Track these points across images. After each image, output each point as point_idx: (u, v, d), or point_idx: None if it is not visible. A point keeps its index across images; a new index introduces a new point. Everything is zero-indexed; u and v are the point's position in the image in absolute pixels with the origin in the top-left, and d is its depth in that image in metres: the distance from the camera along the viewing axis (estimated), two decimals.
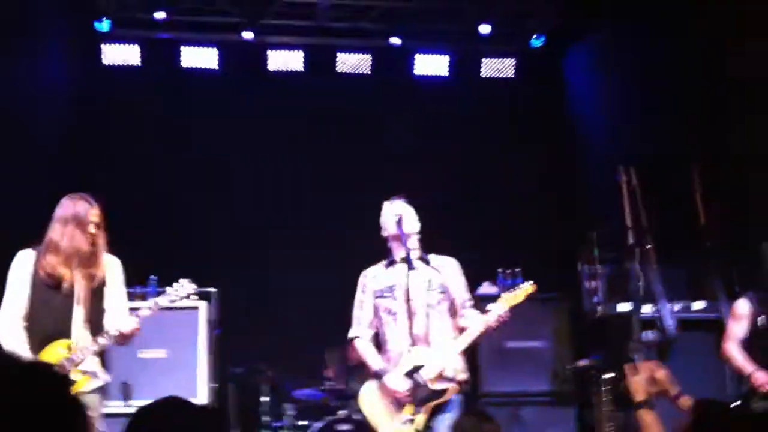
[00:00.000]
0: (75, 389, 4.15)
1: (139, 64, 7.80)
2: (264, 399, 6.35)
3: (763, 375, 4.86)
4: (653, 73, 6.62)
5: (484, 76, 8.27)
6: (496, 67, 8.28)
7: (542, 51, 8.11)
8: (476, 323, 4.58)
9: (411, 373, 4.51)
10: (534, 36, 8.02)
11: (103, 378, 4.36)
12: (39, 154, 6.63)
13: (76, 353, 4.22)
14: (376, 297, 4.71)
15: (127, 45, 7.77)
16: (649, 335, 5.70)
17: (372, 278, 4.77)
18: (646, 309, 6.04)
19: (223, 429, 1.94)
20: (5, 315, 4.34)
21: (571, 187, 7.51)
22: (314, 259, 7.49)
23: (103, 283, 4.42)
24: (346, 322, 4.81)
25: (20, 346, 4.26)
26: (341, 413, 6.24)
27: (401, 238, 4.63)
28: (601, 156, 7.17)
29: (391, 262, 4.75)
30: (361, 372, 6.65)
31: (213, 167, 7.84)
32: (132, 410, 3.70)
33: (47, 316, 4.30)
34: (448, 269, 4.75)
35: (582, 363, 6.34)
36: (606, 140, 7.21)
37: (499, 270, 6.98)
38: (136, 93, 7.76)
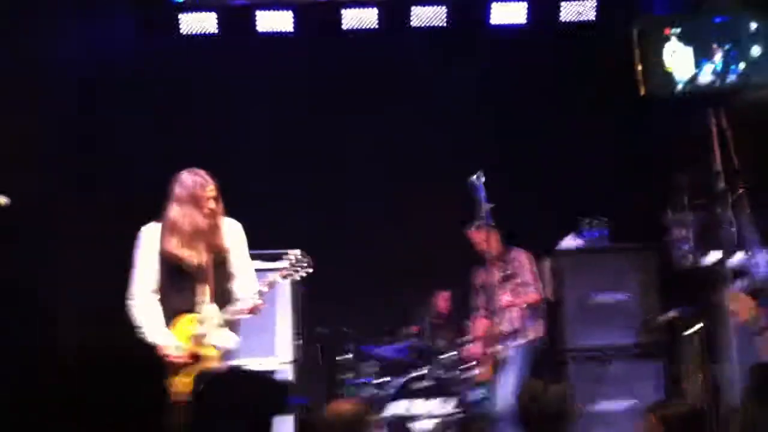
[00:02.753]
0: (204, 364, 4.27)
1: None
2: (346, 357, 6.43)
3: None
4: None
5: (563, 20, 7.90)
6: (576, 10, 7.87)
7: None
8: None
9: None
10: None
11: (231, 344, 4.42)
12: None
13: (203, 328, 4.29)
14: None
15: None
16: (739, 285, 5.46)
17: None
18: (738, 257, 5.80)
19: (282, 399, 1.96)
20: (139, 290, 4.41)
21: (658, 131, 7.17)
22: (397, 222, 7.47)
23: (227, 251, 4.47)
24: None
25: (157, 321, 4.35)
26: (423, 370, 6.28)
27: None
28: (689, 98, 6.82)
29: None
30: (446, 329, 6.70)
31: (292, 131, 7.84)
32: None
33: (174, 294, 4.37)
34: None
35: (670, 314, 6.16)
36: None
37: (583, 220, 6.79)
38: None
